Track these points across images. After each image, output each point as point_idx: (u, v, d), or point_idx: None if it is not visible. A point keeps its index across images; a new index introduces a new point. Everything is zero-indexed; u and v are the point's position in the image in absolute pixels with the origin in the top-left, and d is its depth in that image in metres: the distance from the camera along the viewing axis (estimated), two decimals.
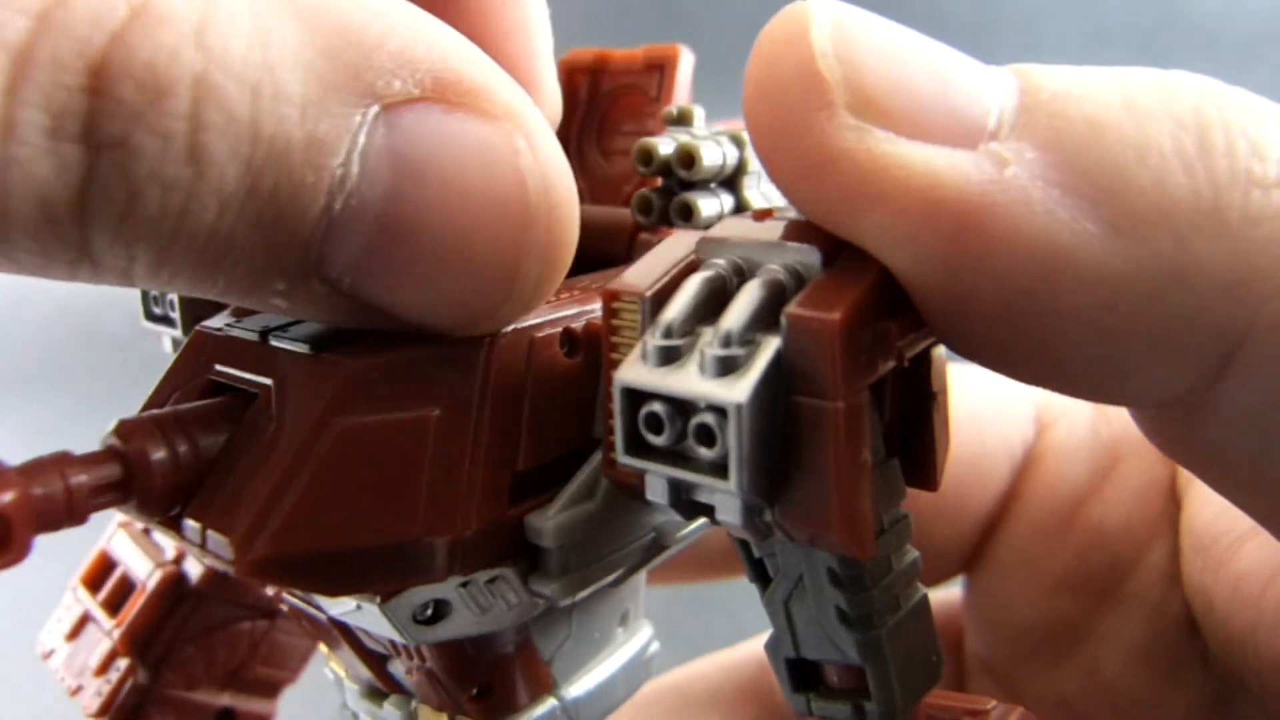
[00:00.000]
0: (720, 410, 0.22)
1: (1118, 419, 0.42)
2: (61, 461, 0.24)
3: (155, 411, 0.26)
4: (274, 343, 0.27)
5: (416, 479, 0.25)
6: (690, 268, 0.25)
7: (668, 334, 0.23)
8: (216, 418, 0.26)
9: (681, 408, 0.23)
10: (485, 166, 0.23)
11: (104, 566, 0.43)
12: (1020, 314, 0.22)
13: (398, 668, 0.31)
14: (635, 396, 0.23)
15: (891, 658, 0.25)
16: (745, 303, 0.23)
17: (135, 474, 0.25)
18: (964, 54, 0.24)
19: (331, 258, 0.23)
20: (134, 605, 0.41)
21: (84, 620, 0.42)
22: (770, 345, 0.22)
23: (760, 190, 0.32)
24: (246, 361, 0.27)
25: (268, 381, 0.26)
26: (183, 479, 0.25)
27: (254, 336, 0.28)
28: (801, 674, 0.26)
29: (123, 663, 0.41)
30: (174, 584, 0.41)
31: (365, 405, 0.25)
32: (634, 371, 0.23)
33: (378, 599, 0.26)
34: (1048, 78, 0.23)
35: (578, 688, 0.33)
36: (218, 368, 0.28)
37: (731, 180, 0.31)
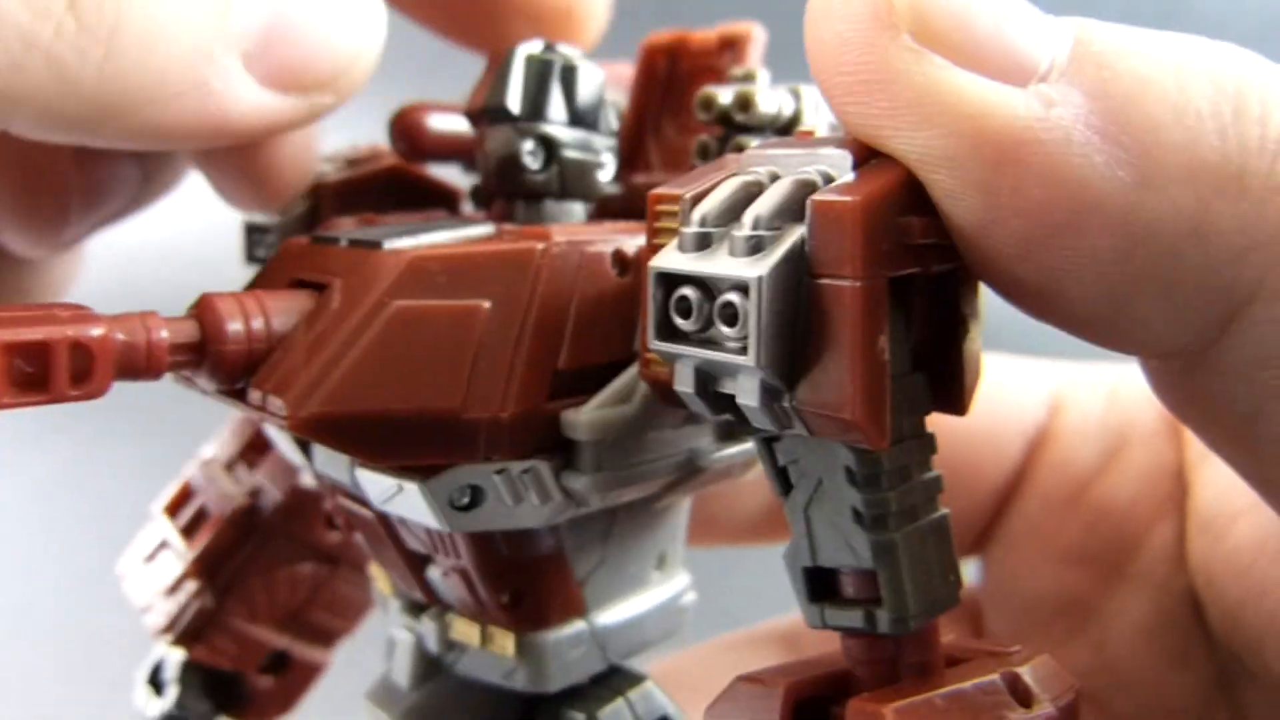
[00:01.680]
0: (744, 289, 0.23)
1: (1128, 405, 0.43)
2: (146, 317, 0.26)
3: (238, 291, 0.28)
4: (346, 244, 0.30)
5: (462, 361, 0.27)
6: (731, 177, 0.26)
7: (702, 222, 0.25)
8: (293, 302, 0.29)
9: (710, 292, 0.24)
10: None
11: (184, 496, 0.45)
12: (1044, 248, 0.23)
13: (435, 572, 0.32)
14: (668, 282, 0.25)
15: (905, 563, 0.25)
16: (775, 192, 0.24)
17: (211, 337, 0.27)
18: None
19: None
20: (208, 531, 0.43)
21: (161, 546, 0.45)
22: (796, 231, 0.23)
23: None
24: (324, 262, 0.30)
25: (337, 274, 0.29)
26: (253, 350, 0.28)
27: (331, 241, 0.30)
28: (818, 584, 0.27)
29: (192, 585, 0.43)
30: (246, 515, 0.43)
31: (422, 290, 0.27)
32: (668, 258, 0.25)
33: (418, 478, 0.28)
34: (1101, 31, 0.25)
35: (608, 616, 0.33)
36: (300, 270, 0.30)
37: (787, 129, 0.33)
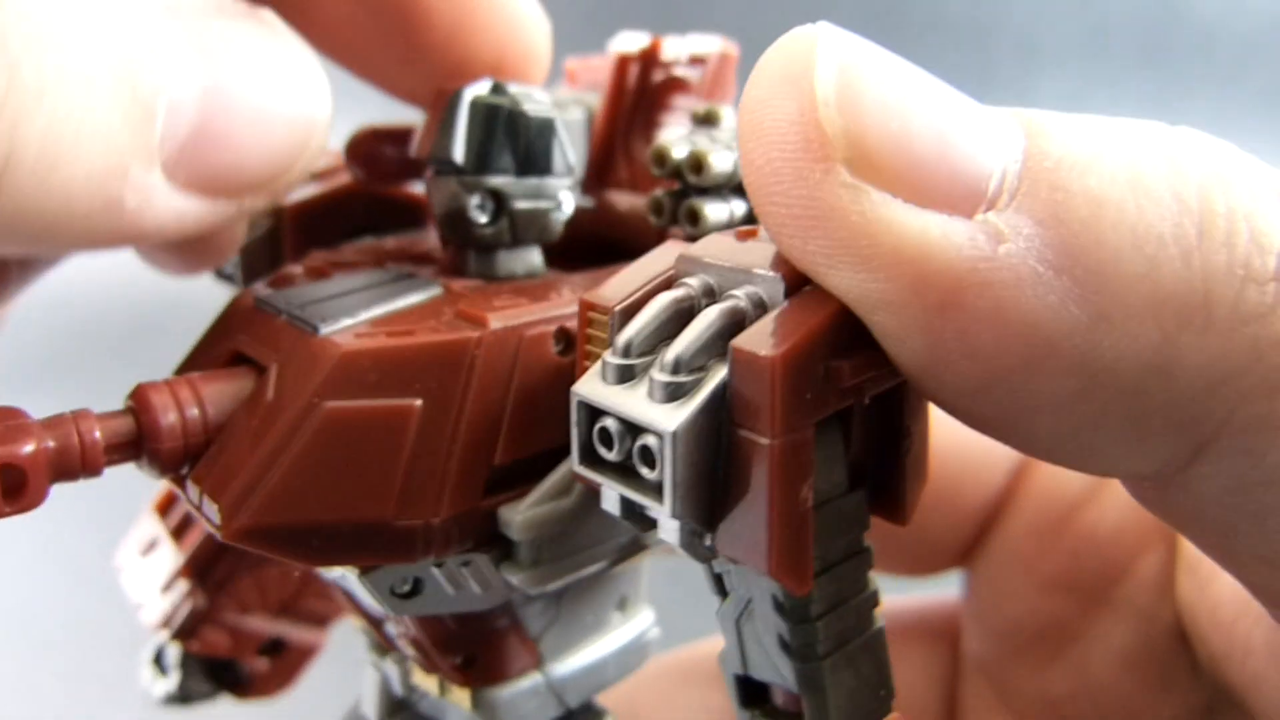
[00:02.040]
0: (660, 435, 0.22)
1: None
2: (79, 418, 0.26)
3: (172, 377, 0.28)
4: (286, 319, 0.29)
5: (395, 464, 0.27)
6: (666, 283, 0.25)
7: (625, 353, 0.24)
8: (230, 385, 0.28)
9: (632, 426, 0.23)
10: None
11: (173, 496, 0.46)
12: (995, 390, 0.22)
13: (390, 629, 0.33)
14: (592, 410, 0.24)
15: (831, 690, 0.25)
16: (698, 330, 0.23)
17: (147, 434, 0.27)
18: (969, 100, 0.23)
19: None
20: (196, 534, 0.45)
21: (154, 542, 0.46)
22: (718, 374, 0.22)
23: None
24: (265, 334, 0.29)
25: (275, 355, 0.28)
26: (191, 442, 0.27)
27: (273, 311, 0.30)
28: (750, 691, 0.27)
29: (184, 584, 0.44)
30: None
31: (353, 389, 0.27)
32: (591, 386, 0.24)
33: (357, 571, 0.28)
34: (1054, 141, 0.22)
35: (565, 666, 0.34)
36: (242, 337, 0.30)
37: (742, 187, 0.31)
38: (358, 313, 0.29)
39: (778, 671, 0.25)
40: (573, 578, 0.30)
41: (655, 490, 0.23)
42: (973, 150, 0.22)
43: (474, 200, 0.31)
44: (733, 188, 0.31)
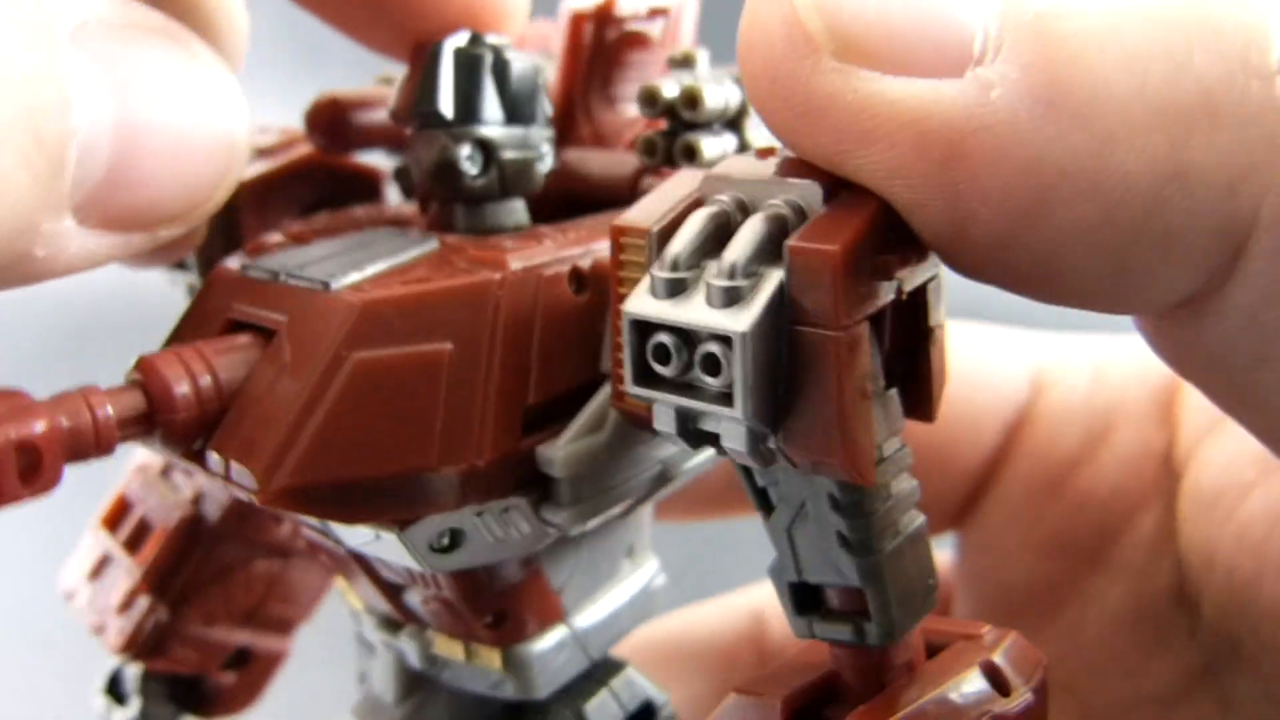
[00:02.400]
0: (725, 339, 0.23)
1: (1115, 385, 0.42)
2: (88, 394, 0.25)
3: (178, 346, 0.27)
4: (287, 281, 0.28)
5: (432, 411, 0.26)
6: (694, 204, 0.26)
7: (674, 267, 0.24)
8: (237, 352, 0.27)
9: (688, 338, 0.24)
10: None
11: (122, 508, 0.44)
12: (1020, 233, 0.23)
13: (413, 598, 0.32)
14: (643, 328, 0.24)
15: (890, 581, 0.26)
16: (748, 236, 0.23)
17: (160, 407, 0.25)
18: None
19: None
20: (154, 545, 0.42)
21: (104, 560, 0.43)
22: (773, 277, 0.23)
23: (763, 131, 0.32)
24: (263, 299, 0.28)
25: (283, 318, 0.27)
26: (205, 411, 0.26)
27: (268, 276, 0.29)
28: (804, 597, 0.27)
29: (144, 600, 0.42)
30: (191, 524, 0.42)
31: (380, 339, 0.26)
32: (642, 303, 0.24)
33: (396, 528, 0.27)
34: None
35: (586, 617, 0.34)
36: (236, 306, 0.29)
37: (735, 121, 0.32)
38: (364, 267, 0.28)
39: (836, 570, 0.26)
40: (607, 514, 0.30)
41: (719, 398, 0.23)
42: (951, 17, 0.23)
43: (464, 151, 0.31)
44: (725, 123, 0.31)
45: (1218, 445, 0.28)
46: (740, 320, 0.22)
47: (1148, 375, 0.43)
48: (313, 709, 0.45)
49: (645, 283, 0.24)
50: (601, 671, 0.35)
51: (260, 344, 0.27)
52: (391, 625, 0.34)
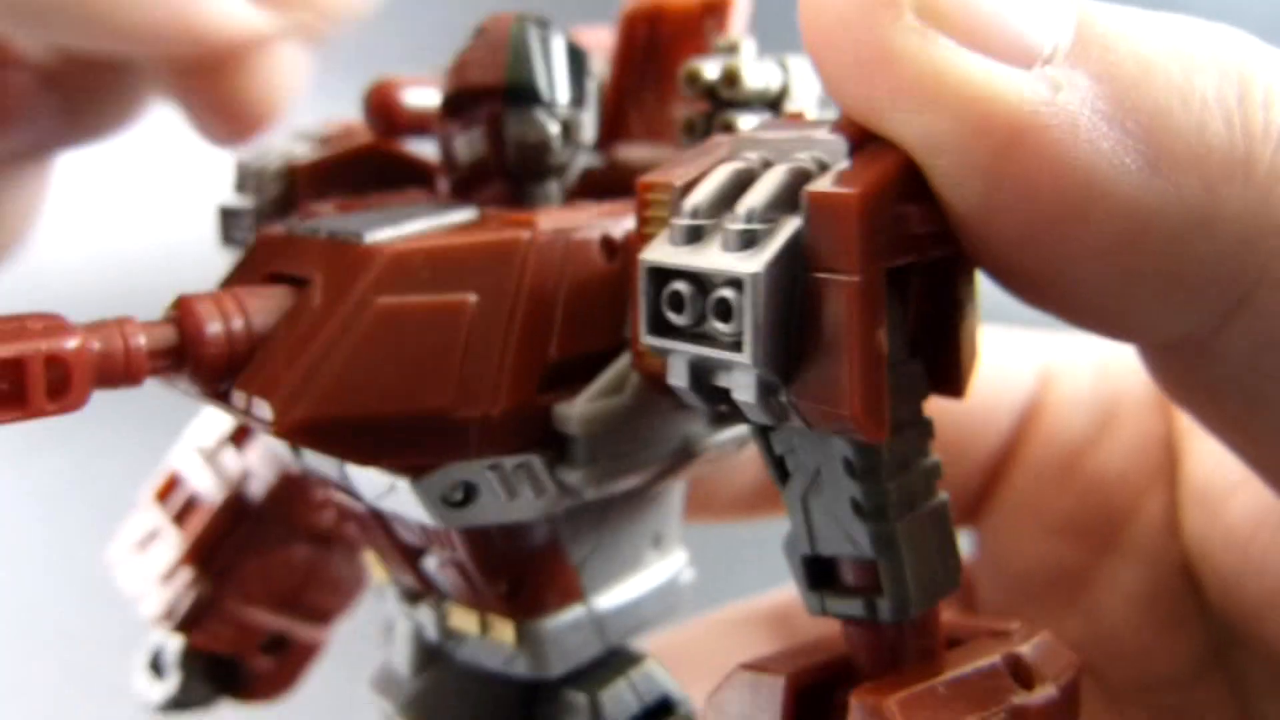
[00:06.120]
0: (738, 284, 0.23)
1: (1118, 378, 0.43)
2: (123, 323, 0.26)
3: (215, 290, 0.28)
4: (325, 236, 0.29)
5: (450, 358, 0.27)
6: (722, 163, 0.26)
7: (693, 214, 0.24)
8: (271, 299, 0.28)
9: (703, 287, 0.24)
10: None
11: (172, 485, 0.45)
12: (1047, 236, 0.23)
13: (430, 563, 0.32)
14: (659, 276, 0.24)
15: (906, 553, 0.25)
16: (769, 181, 0.23)
17: (190, 341, 0.26)
18: None
19: None
20: (199, 519, 0.43)
21: (152, 534, 0.45)
22: (791, 224, 0.23)
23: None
24: (303, 253, 0.29)
25: (317, 269, 0.28)
26: (235, 352, 0.27)
27: (308, 233, 0.29)
28: (817, 572, 0.27)
29: (186, 572, 0.43)
30: (237, 501, 0.43)
31: (406, 286, 0.27)
32: (659, 250, 0.24)
33: (409, 476, 0.27)
34: (1103, 13, 0.24)
35: (606, 599, 0.33)
36: (276, 262, 0.30)
37: (775, 104, 0.32)
38: (402, 225, 0.29)
39: (850, 539, 0.25)
40: (625, 482, 0.29)
41: (731, 345, 0.23)
42: (1031, 11, 0.23)
43: (554, 130, 0.31)
44: (766, 103, 0.32)
45: (1209, 439, 0.29)
46: (752, 263, 0.22)
47: None
48: (325, 702, 0.45)
49: (665, 232, 0.25)
50: (621, 661, 0.34)
51: (295, 294, 0.28)
52: (412, 596, 0.34)
